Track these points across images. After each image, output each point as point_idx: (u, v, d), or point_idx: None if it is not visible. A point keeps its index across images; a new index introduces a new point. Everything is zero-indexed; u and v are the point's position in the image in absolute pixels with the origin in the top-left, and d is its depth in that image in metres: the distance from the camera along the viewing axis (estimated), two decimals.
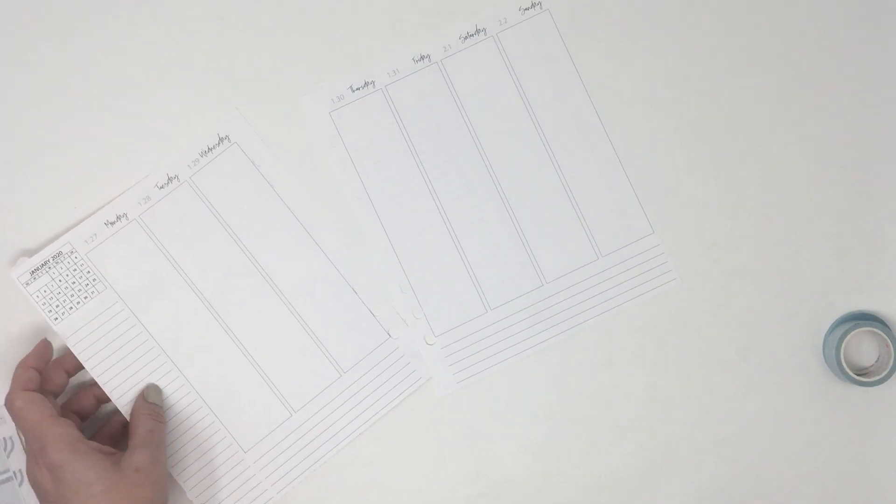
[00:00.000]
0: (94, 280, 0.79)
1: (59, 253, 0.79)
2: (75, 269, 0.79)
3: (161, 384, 0.80)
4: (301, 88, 0.81)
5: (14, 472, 0.79)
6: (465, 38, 0.82)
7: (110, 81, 0.81)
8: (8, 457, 0.79)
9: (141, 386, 0.79)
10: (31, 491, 0.76)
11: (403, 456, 0.81)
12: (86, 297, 0.79)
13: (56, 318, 0.79)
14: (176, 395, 0.80)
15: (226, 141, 0.80)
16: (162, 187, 0.80)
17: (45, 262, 0.79)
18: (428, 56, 0.82)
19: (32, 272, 0.79)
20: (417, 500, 0.81)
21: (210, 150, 0.80)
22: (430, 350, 0.81)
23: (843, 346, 0.77)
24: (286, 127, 0.81)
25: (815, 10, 0.81)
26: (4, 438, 0.79)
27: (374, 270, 0.81)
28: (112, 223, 0.79)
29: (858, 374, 0.78)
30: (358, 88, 0.81)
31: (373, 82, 0.81)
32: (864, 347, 0.80)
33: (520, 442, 0.81)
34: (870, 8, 0.81)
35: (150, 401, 0.78)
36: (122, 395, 0.79)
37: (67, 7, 0.81)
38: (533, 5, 0.82)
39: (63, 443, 0.71)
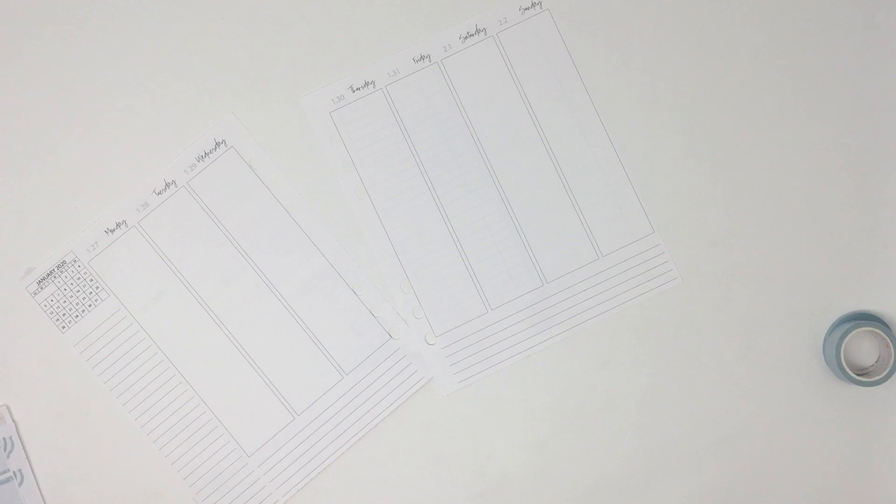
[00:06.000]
0: (98, 288, 0.79)
1: (63, 262, 0.79)
2: (79, 278, 0.79)
3: (164, 389, 0.80)
4: (301, 89, 0.81)
5: (14, 472, 0.79)
6: (466, 37, 0.82)
7: (108, 85, 0.81)
8: (8, 457, 0.79)
9: (147, 391, 0.79)
10: (31, 491, 0.76)
11: (405, 455, 0.81)
12: (90, 306, 0.79)
13: (63, 327, 0.79)
14: (179, 399, 0.80)
15: (222, 145, 0.79)
16: (160, 193, 0.80)
17: (51, 272, 0.79)
18: (428, 56, 0.82)
19: (39, 282, 0.79)
20: (418, 499, 0.81)
21: (207, 154, 0.80)
22: (431, 350, 0.81)
23: (843, 346, 0.77)
24: (286, 127, 0.81)
25: (815, 10, 0.81)
26: (4, 438, 0.79)
27: (375, 270, 0.81)
28: (112, 231, 0.79)
29: (858, 374, 0.78)
30: (358, 88, 0.81)
31: (373, 82, 0.81)
32: (864, 347, 0.80)
33: (520, 441, 0.81)
34: (870, 8, 0.81)
35: None
36: (129, 401, 0.80)
37: (64, 13, 0.81)
38: (533, 5, 0.82)
39: None
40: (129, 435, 0.80)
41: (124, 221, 0.80)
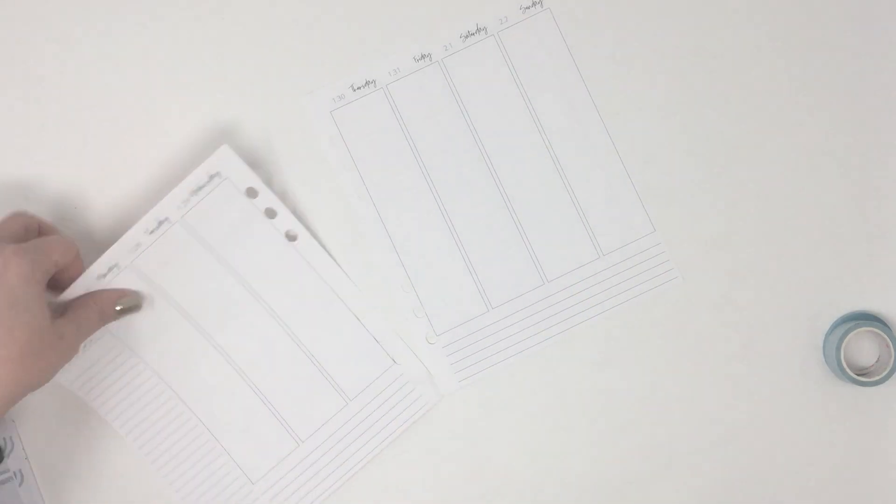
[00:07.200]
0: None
1: None
2: None
3: (168, 419, 0.79)
4: (301, 89, 0.81)
5: (14, 472, 0.79)
6: (466, 36, 0.81)
7: (108, 92, 0.80)
8: (8, 457, 0.79)
9: (150, 420, 0.79)
10: (31, 491, 0.76)
11: (403, 455, 0.81)
12: (90, 341, 0.77)
13: None
14: (183, 428, 0.79)
15: (216, 178, 0.77)
16: (152, 232, 0.76)
17: None
18: (429, 55, 0.81)
19: None
20: (417, 500, 0.81)
21: (200, 188, 0.77)
22: (432, 349, 0.81)
23: (843, 346, 0.77)
24: (287, 127, 0.81)
25: (816, 10, 0.81)
26: (4, 438, 0.79)
27: (375, 270, 0.81)
28: (104, 276, 0.76)
29: (858, 374, 0.78)
30: (359, 88, 0.81)
31: (374, 81, 0.81)
32: (864, 347, 0.81)
33: (520, 442, 0.81)
34: (870, 8, 0.81)
35: (118, 309, 0.76)
36: (131, 431, 0.79)
37: (63, 18, 0.81)
38: (534, 4, 0.81)
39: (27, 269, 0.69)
40: (131, 456, 0.80)
41: (116, 264, 0.77)
